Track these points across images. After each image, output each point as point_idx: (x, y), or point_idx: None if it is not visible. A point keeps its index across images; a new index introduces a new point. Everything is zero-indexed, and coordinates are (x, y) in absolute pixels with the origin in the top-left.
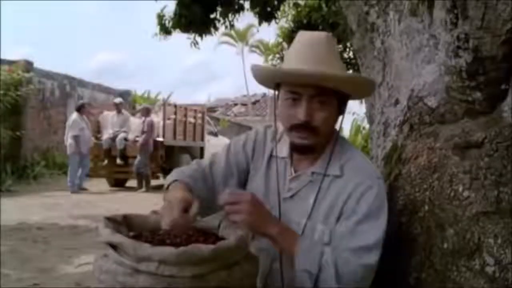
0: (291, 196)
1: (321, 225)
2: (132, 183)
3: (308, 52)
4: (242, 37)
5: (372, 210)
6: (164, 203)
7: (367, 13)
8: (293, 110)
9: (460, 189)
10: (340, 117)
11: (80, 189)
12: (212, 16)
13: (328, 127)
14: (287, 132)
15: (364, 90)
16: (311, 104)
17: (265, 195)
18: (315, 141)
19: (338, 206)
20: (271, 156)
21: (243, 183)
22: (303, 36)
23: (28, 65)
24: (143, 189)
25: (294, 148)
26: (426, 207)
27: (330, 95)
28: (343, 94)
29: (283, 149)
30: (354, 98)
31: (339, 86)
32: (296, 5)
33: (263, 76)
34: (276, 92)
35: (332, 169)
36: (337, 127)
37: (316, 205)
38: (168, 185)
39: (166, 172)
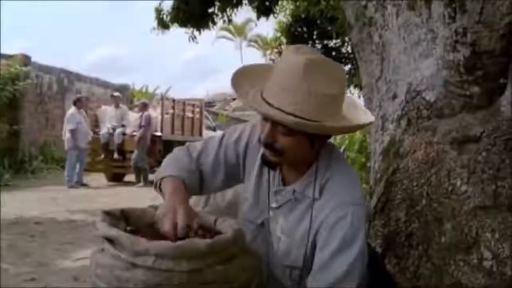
0: (278, 207)
1: (296, 248)
2: (130, 177)
3: (280, 83)
4: (240, 31)
5: (346, 240)
6: (167, 204)
7: (365, 7)
8: (262, 128)
9: (458, 183)
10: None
11: (81, 185)
12: (210, 10)
13: (296, 152)
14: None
15: (331, 131)
16: (275, 128)
17: (255, 201)
18: (280, 161)
19: (312, 233)
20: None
21: (231, 177)
22: (282, 59)
23: (25, 59)
24: (141, 183)
25: (262, 161)
26: (424, 202)
27: (293, 129)
28: None
29: None
30: None
31: (299, 128)
32: None
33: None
34: None
35: (312, 190)
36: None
37: (295, 226)
38: (162, 177)
39: None
